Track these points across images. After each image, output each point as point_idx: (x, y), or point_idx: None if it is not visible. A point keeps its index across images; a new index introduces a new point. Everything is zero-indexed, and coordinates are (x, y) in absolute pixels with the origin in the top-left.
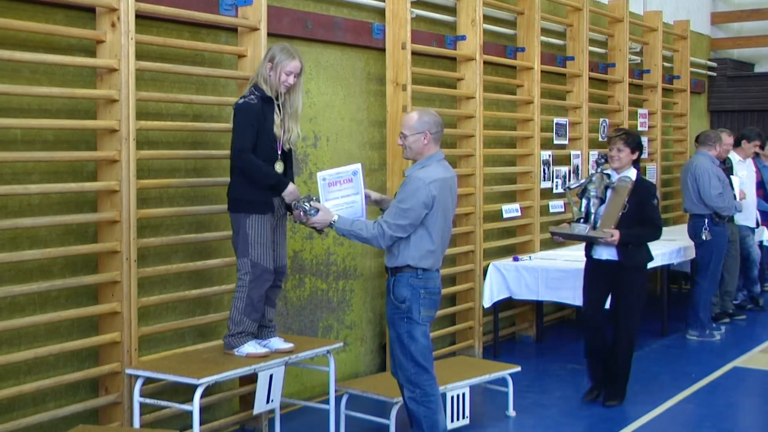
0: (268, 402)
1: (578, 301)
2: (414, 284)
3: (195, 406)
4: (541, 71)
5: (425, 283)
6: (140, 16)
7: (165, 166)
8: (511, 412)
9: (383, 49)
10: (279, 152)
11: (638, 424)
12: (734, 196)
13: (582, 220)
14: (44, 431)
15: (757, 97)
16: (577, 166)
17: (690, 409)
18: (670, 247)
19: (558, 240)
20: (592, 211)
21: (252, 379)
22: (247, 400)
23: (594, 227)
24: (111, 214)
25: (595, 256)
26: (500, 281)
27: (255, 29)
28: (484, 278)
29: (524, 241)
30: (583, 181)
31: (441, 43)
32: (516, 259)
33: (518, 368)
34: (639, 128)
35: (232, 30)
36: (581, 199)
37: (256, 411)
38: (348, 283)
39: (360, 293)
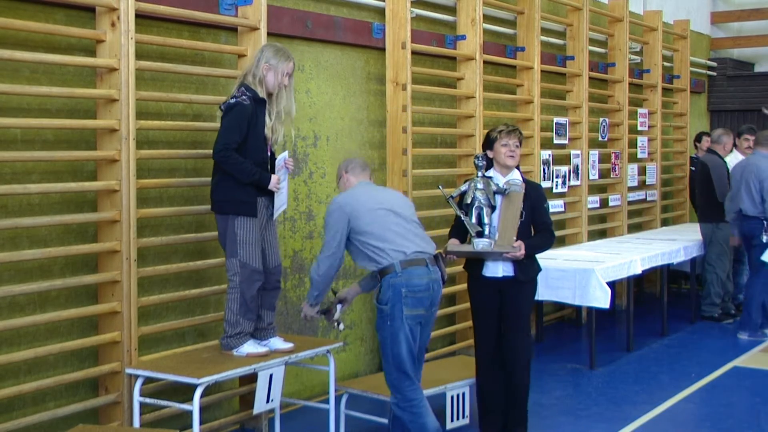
0: (268, 401)
1: (578, 300)
2: (395, 283)
3: (195, 406)
4: (541, 71)
5: (407, 280)
6: (140, 16)
7: (165, 166)
8: None
9: (383, 49)
10: (269, 154)
11: (638, 424)
12: None
13: (478, 234)
14: (44, 431)
15: (757, 97)
16: (577, 165)
17: (690, 409)
18: (670, 247)
19: (453, 260)
20: (486, 222)
21: (252, 378)
22: (247, 400)
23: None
24: (111, 214)
25: (488, 274)
26: None
27: (255, 29)
28: None
29: None
30: (464, 187)
31: (441, 42)
32: None
33: None
34: (639, 128)
35: (232, 30)
36: (470, 208)
37: (256, 410)
38: (348, 282)
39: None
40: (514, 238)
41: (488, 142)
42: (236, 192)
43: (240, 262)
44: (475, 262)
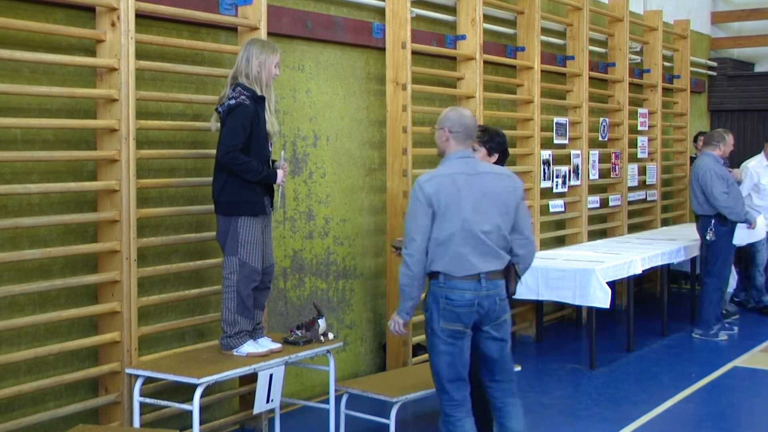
0: (268, 401)
1: (578, 300)
2: (435, 292)
3: (195, 406)
4: (541, 71)
5: (448, 293)
6: (140, 16)
7: (165, 166)
8: None
9: (383, 49)
10: (270, 148)
11: (638, 424)
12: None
13: None
14: (44, 431)
15: (757, 97)
16: (577, 165)
17: (690, 409)
18: (670, 247)
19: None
20: None
21: (252, 378)
22: (247, 400)
23: None
24: (111, 214)
25: None
26: None
27: (255, 29)
28: None
29: None
30: None
31: (441, 42)
32: None
33: (518, 368)
34: (639, 128)
35: (232, 29)
36: None
37: (256, 410)
38: (348, 282)
39: (360, 293)
40: None
41: None
42: (244, 193)
43: (240, 260)
44: None
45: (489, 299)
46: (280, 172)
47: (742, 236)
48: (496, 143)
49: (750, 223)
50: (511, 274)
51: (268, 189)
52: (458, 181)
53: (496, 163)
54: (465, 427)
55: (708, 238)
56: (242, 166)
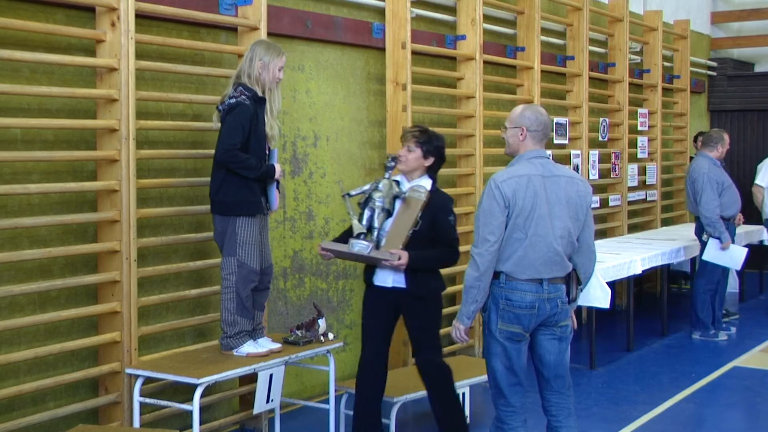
0: (268, 401)
1: (579, 300)
2: (495, 292)
3: (195, 406)
4: (541, 71)
5: (508, 294)
6: (140, 16)
7: (165, 166)
8: None
9: (383, 49)
10: (267, 151)
11: (638, 424)
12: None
13: (363, 236)
14: (44, 431)
15: (757, 97)
16: (577, 165)
17: (690, 409)
18: (670, 247)
19: (328, 257)
20: (376, 225)
21: (252, 378)
22: (247, 400)
23: (377, 246)
24: (111, 214)
25: (378, 283)
26: None
27: (255, 29)
28: None
29: None
30: (367, 187)
31: (441, 42)
32: None
33: None
34: (639, 128)
35: (232, 29)
36: (364, 209)
37: (256, 410)
38: (348, 282)
39: (360, 293)
40: (400, 247)
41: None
42: (241, 192)
43: (238, 261)
44: (369, 269)
45: (550, 302)
46: (278, 165)
47: (711, 253)
48: (433, 147)
49: (722, 243)
50: (573, 279)
51: (265, 190)
52: (535, 183)
53: (430, 167)
54: (517, 429)
55: (704, 239)
56: (241, 163)
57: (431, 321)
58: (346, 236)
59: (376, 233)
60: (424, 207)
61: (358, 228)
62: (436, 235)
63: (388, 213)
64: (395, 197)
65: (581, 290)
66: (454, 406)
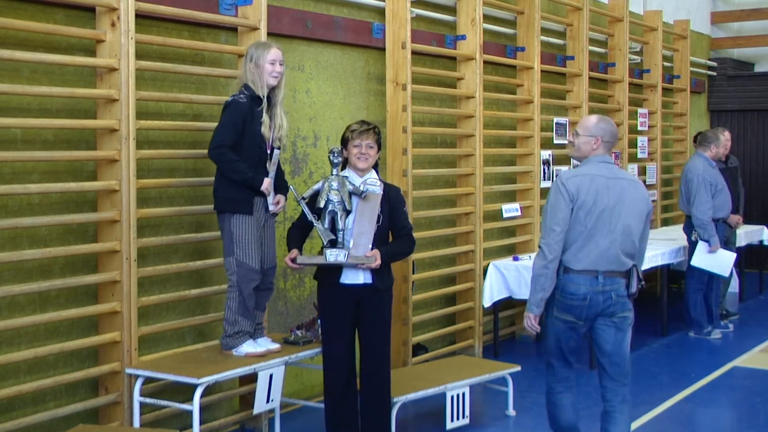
0: (268, 401)
1: None
2: (556, 283)
3: (195, 406)
4: (541, 71)
5: (564, 285)
6: (140, 16)
7: (165, 166)
8: (511, 412)
9: (383, 49)
10: (268, 153)
11: (638, 424)
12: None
13: (332, 243)
14: (44, 431)
15: (757, 97)
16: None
17: (690, 409)
18: (669, 247)
19: (297, 270)
20: (340, 227)
21: (252, 378)
22: (247, 400)
23: (344, 246)
24: (111, 214)
25: (347, 281)
26: (500, 281)
27: (255, 29)
28: (484, 278)
29: (524, 241)
30: (318, 186)
31: (441, 42)
32: (516, 259)
33: (518, 368)
34: (639, 128)
35: (232, 29)
36: (324, 212)
37: (256, 410)
38: None
39: None
40: (370, 245)
41: (343, 141)
42: (232, 190)
43: (236, 260)
44: (328, 269)
45: (604, 294)
46: (266, 180)
47: (699, 258)
48: (379, 139)
49: (711, 246)
50: (633, 274)
51: (258, 191)
52: (598, 182)
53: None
54: (563, 400)
55: (692, 239)
56: (228, 163)
57: (388, 314)
58: (299, 229)
59: (341, 236)
60: (381, 200)
61: (326, 235)
62: (394, 226)
63: (347, 212)
64: (351, 194)
65: (641, 284)
66: (388, 422)
